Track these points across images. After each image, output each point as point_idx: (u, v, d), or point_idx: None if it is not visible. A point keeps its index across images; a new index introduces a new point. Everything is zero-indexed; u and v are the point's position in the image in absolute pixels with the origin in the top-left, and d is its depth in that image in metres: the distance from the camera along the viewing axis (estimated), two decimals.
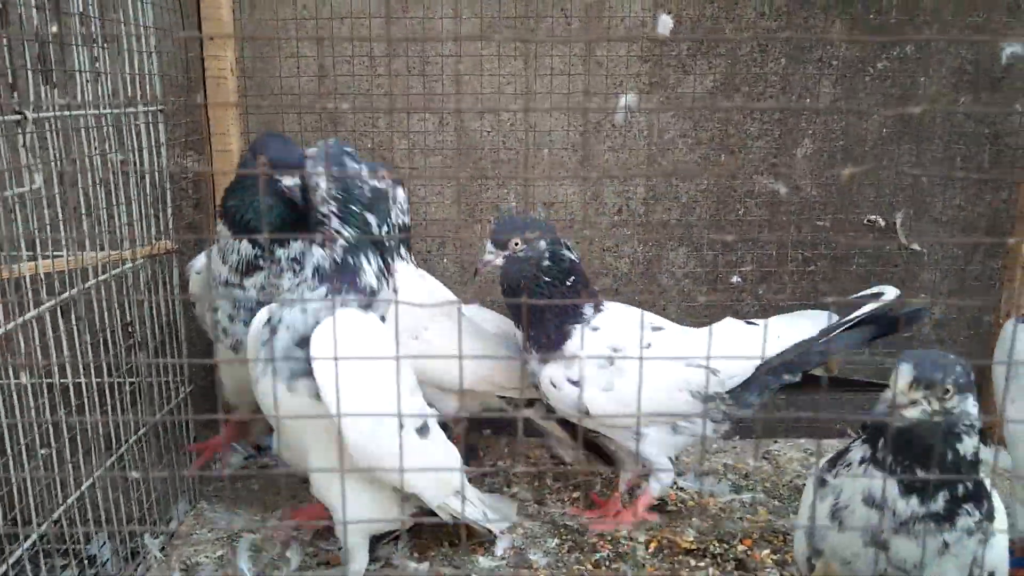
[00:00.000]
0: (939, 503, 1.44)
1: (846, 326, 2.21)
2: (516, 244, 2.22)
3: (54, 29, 2.00)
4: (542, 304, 2.22)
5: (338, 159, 1.89)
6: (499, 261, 2.25)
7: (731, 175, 2.81)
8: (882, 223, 2.89)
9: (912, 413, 1.42)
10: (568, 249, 2.26)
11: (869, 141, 2.85)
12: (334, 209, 1.86)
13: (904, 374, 1.42)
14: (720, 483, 2.72)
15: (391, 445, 1.66)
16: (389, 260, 1.94)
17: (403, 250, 2.49)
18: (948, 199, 2.89)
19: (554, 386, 2.28)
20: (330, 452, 1.74)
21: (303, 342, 1.79)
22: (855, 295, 2.30)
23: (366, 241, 1.85)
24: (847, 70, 2.79)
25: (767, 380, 2.26)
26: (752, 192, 2.88)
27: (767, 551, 2.37)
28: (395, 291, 1.93)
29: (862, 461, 1.52)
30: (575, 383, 2.24)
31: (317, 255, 1.87)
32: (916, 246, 2.89)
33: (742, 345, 2.26)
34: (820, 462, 1.68)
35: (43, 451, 1.98)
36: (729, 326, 2.33)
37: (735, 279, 2.95)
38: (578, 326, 2.26)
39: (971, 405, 1.44)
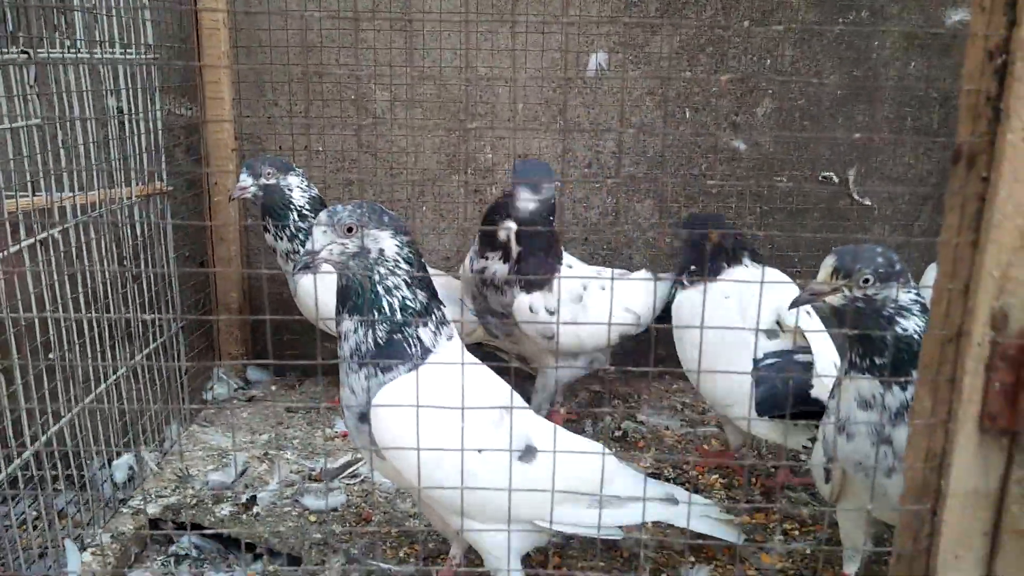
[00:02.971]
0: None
1: None
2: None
3: None
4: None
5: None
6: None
7: (695, 132, 2.98)
8: (836, 179, 3.07)
9: (834, 299, 1.58)
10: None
11: (825, 101, 3.02)
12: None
13: (826, 265, 1.59)
14: (674, 418, 2.93)
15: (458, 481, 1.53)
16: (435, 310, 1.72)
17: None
18: (898, 157, 3.08)
19: (531, 311, 2.58)
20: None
21: (363, 418, 1.70)
22: None
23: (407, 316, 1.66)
24: (805, 33, 2.95)
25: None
26: (715, 148, 3.06)
27: (716, 476, 2.58)
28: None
29: (846, 371, 1.65)
30: (551, 312, 2.57)
31: (353, 338, 1.68)
32: (867, 201, 3.07)
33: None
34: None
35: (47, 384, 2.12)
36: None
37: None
38: (559, 266, 2.65)
39: (896, 291, 1.56)
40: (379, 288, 1.65)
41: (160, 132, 2.63)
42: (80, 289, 2.24)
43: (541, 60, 2.96)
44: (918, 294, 1.61)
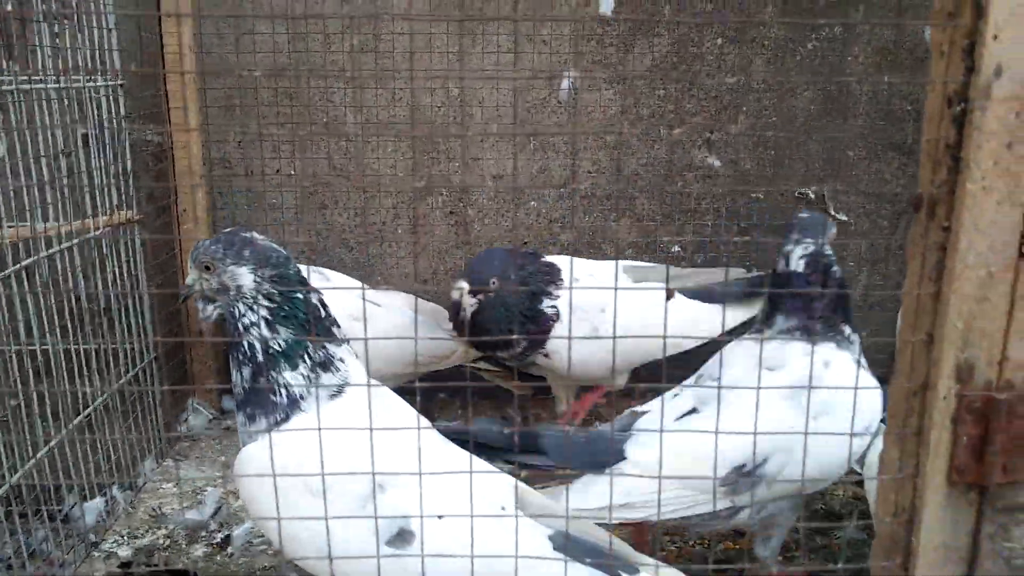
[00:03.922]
0: None
1: None
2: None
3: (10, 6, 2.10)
4: None
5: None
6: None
7: (670, 149, 2.96)
8: (812, 195, 3.06)
9: None
10: None
11: (799, 117, 3.01)
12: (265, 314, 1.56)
13: None
14: None
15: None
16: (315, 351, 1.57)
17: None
18: (874, 172, 3.07)
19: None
20: None
21: None
22: None
23: (284, 348, 1.55)
24: (779, 50, 2.94)
25: None
26: (690, 166, 3.04)
27: None
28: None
29: None
30: None
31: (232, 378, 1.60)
32: (843, 216, 3.06)
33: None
34: None
35: (2, 415, 2.08)
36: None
37: (675, 248, 3.12)
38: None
39: None
40: (239, 326, 1.55)
41: (128, 160, 2.59)
42: (46, 321, 2.21)
43: (514, 80, 2.94)
44: None
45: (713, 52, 2.94)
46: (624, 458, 1.81)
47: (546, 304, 2.53)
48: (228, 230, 1.63)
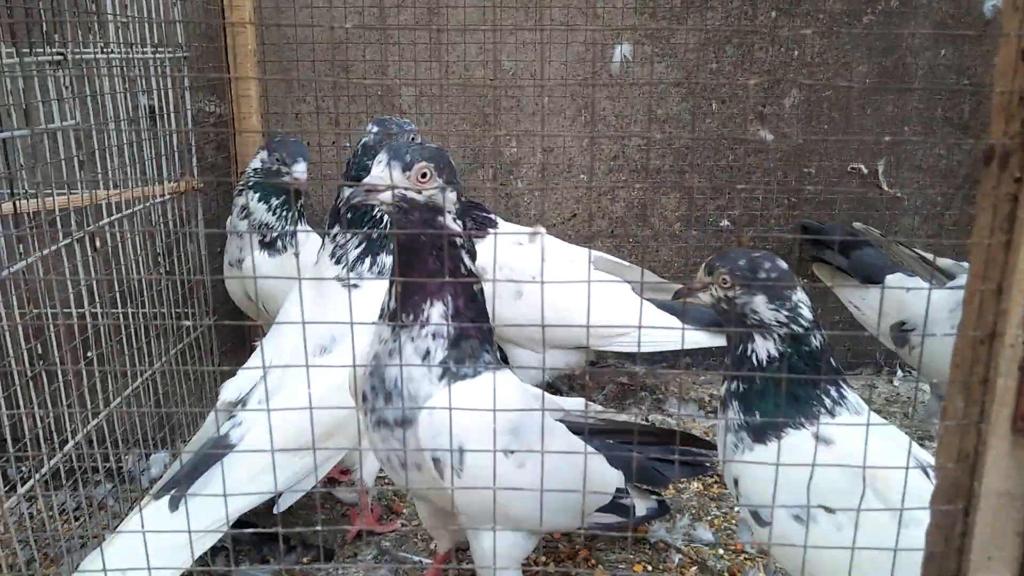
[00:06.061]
0: (722, 388, 1.58)
1: None
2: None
3: None
4: None
5: None
6: None
7: (722, 124, 2.96)
8: (865, 170, 3.04)
9: (704, 296, 1.58)
10: None
11: (854, 91, 2.98)
12: None
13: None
14: (700, 411, 2.92)
15: None
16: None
17: None
18: (929, 147, 3.04)
19: None
20: None
21: None
22: None
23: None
24: (833, 23, 2.92)
25: None
26: (742, 140, 3.04)
27: None
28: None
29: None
30: None
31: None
32: (897, 192, 3.04)
33: None
34: None
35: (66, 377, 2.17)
36: None
37: (724, 223, 3.12)
38: None
39: (761, 303, 1.51)
40: None
41: (191, 129, 2.67)
42: (116, 287, 2.30)
43: (566, 53, 2.96)
44: (791, 318, 1.51)
45: (767, 24, 2.93)
46: None
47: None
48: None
